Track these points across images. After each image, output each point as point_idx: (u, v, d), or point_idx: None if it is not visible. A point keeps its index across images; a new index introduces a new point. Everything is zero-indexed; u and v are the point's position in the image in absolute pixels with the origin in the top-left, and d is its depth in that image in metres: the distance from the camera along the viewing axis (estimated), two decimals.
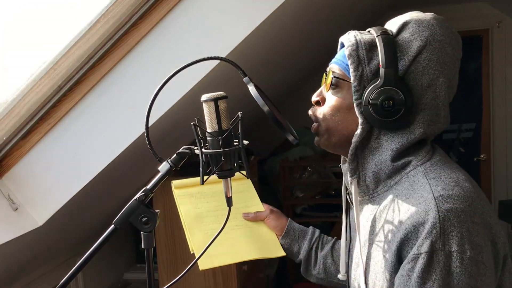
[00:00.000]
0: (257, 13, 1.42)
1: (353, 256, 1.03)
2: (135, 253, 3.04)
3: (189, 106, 1.51)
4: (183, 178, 1.84)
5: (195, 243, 1.15)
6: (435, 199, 0.83)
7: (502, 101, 4.03)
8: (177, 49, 1.45)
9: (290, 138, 0.91)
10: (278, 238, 1.24)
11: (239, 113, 0.90)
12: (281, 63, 2.62)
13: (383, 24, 0.98)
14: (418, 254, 0.82)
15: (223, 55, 1.43)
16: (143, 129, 1.50)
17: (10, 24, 1.36)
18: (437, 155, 0.94)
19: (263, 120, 3.55)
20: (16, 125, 1.46)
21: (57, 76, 1.42)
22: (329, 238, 1.27)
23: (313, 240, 1.24)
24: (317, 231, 1.27)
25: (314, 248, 1.24)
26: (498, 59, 3.99)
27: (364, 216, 0.99)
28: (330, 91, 0.99)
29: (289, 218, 1.26)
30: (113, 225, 0.94)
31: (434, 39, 0.89)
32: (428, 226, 0.81)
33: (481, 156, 4.12)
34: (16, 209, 1.50)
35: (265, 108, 0.88)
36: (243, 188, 1.29)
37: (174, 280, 0.99)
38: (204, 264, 1.12)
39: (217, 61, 1.40)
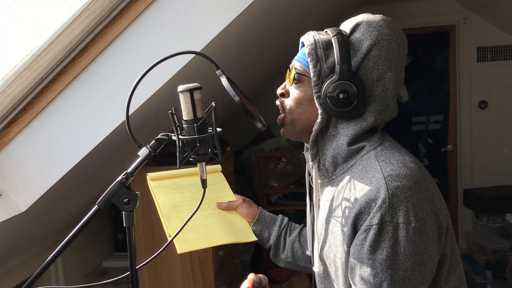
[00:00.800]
0: (230, 9, 1.50)
1: (315, 234, 1.14)
2: (113, 242, 3.09)
3: (166, 97, 1.59)
4: (161, 168, 1.94)
5: (172, 230, 1.21)
6: (385, 178, 0.95)
7: (468, 93, 4.20)
8: (154, 43, 1.52)
9: (259, 125, 1.01)
10: (250, 225, 1.33)
11: (213, 103, 0.99)
12: (256, 58, 2.70)
13: None
14: (370, 225, 0.93)
15: (199, 49, 1.51)
16: (122, 119, 1.59)
17: None
18: (387, 141, 1.05)
19: (239, 114, 3.64)
20: (0, 114, 1.52)
21: (40, 68, 1.48)
22: (297, 225, 1.36)
23: (282, 226, 1.33)
24: (286, 219, 1.36)
25: (283, 234, 1.33)
26: (464, 53, 4.15)
27: (324, 197, 1.10)
28: (293, 85, 1.09)
29: (260, 207, 1.36)
30: (96, 206, 1.01)
31: (382, 38, 1.01)
32: (379, 201, 0.93)
33: (448, 147, 4.28)
34: (0, 195, 1.56)
35: (236, 98, 0.97)
36: (216, 180, 1.36)
37: (151, 258, 1.09)
38: (182, 248, 1.19)
39: (193, 55, 1.47)
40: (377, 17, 1.04)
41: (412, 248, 0.92)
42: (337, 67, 0.99)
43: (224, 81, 0.99)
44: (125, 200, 1.01)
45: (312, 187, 1.14)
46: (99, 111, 1.58)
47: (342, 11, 3.68)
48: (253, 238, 1.31)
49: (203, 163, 1.03)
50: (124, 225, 1.04)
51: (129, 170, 1.02)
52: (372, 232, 0.93)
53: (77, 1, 1.45)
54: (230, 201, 1.33)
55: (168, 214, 1.23)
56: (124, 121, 1.55)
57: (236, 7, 1.48)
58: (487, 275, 3.57)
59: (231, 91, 0.98)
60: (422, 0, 4.02)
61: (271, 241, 1.33)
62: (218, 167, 1.39)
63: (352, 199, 0.99)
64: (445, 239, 0.99)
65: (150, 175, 1.29)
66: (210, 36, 1.49)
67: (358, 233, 0.96)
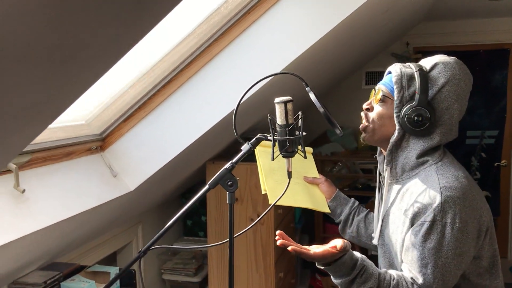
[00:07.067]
0: (310, 34, 1.80)
1: (379, 219, 1.43)
2: (182, 227, 3.44)
3: (252, 103, 1.89)
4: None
5: (268, 186, 1.50)
6: (440, 188, 1.24)
7: None
8: (245, 63, 1.83)
9: (337, 131, 1.29)
10: (327, 201, 1.63)
11: (300, 112, 1.27)
12: (323, 71, 2.96)
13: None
14: (424, 221, 1.23)
15: (280, 68, 1.81)
16: (216, 120, 1.91)
17: None
18: (446, 158, 1.33)
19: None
20: (121, 111, 1.86)
21: (155, 75, 1.83)
22: (364, 209, 1.65)
23: (353, 207, 1.63)
24: (357, 202, 1.65)
25: (352, 213, 1.62)
26: None
27: (390, 193, 1.40)
28: (378, 103, 1.39)
29: (337, 188, 1.66)
30: (207, 186, 1.30)
31: (454, 78, 1.30)
32: (434, 205, 1.22)
33: (502, 162, 4.35)
34: (115, 176, 1.92)
35: (321, 110, 1.26)
36: (306, 159, 1.64)
37: (248, 227, 1.39)
38: (273, 200, 1.46)
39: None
40: (452, 59, 1.33)
41: (454, 243, 1.21)
42: (417, 96, 1.29)
43: (312, 96, 1.28)
44: (229, 183, 1.29)
45: (381, 184, 1.45)
46: (198, 113, 1.90)
47: (406, 26, 3.82)
48: (327, 210, 1.61)
49: (290, 158, 1.32)
50: (227, 202, 1.31)
51: (234, 160, 1.30)
52: (425, 226, 1.22)
53: (187, 26, 1.79)
54: (314, 177, 1.64)
55: (267, 173, 1.53)
56: (215, 123, 1.89)
57: (316, 33, 1.77)
58: None
59: (317, 104, 1.27)
60: (482, 18, 4.11)
61: (342, 217, 1.62)
62: (310, 149, 1.70)
63: (413, 201, 1.28)
64: (484, 238, 1.27)
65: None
66: (292, 56, 1.79)
67: (414, 226, 1.25)
